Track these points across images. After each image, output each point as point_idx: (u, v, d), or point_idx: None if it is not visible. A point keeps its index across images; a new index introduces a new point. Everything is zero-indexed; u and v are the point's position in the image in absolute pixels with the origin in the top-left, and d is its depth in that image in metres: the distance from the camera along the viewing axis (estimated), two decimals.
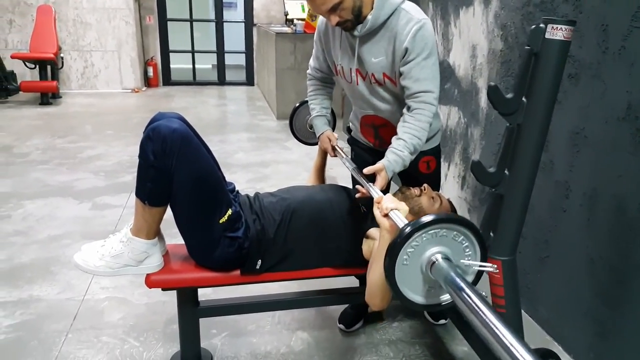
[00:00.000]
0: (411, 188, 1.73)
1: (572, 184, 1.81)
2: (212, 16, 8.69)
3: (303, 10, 7.29)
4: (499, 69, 2.26)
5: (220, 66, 8.11)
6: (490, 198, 1.23)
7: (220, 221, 1.46)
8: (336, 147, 1.89)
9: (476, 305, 0.86)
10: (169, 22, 7.61)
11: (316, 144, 2.38)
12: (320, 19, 1.75)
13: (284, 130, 5.23)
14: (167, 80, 7.80)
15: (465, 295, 0.89)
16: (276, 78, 5.60)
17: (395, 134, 1.77)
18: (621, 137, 1.58)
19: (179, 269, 1.57)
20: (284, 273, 1.61)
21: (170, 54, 7.74)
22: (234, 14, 9.03)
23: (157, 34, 7.54)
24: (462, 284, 0.91)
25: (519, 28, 2.09)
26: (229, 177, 3.21)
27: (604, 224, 1.66)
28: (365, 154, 1.91)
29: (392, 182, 2.01)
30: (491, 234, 1.23)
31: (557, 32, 1.05)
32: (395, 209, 1.27)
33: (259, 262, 1.55)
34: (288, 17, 7.05)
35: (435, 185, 1.88)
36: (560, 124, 1.86)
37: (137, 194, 1.42)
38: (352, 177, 2.06)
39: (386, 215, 1.28)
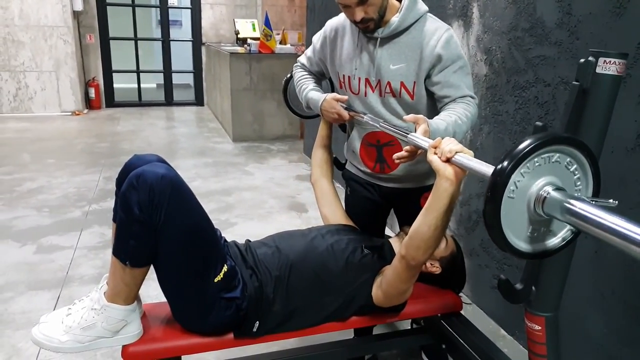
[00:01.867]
0: None
1: None
2: (156, 34, 8.38)
3: (254, 29, 7.13)
4: (484, 94, 2.20)
5: (168, 86, 7.74)
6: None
7: (216, 280, 1.25)
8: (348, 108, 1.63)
9: (619, 225, 0.71)
10: (110, 41, 7.18)
11: (315, 116, 2.15)
12: (330, 25, 1.63)
13: (243, 153, 5.01)
14: (111, 102, 7.34)
15: (601, 219, 0.73)
16: (231, 99, 5.38)
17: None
18: (631, 168, 1.53)
19: (162, 336, 1.33)
20: (288, 333, 1.41)
21: (113, 74, 7.30)
22: (179, 32, 8.72)
23: (99, 53, 7.09)
24: (592, 208, 0.75)
25: (506, 53, 2.04)
26: None
27: (615, 258, 1.60)
28: (363, 189, 1.76)
29: (387, 227, 1.88)
30: (533, 288, 1.10)
31: (610, 67, 0.95)
32: (461, 152, 1.06)
33: (257, 324, 1.34)
34: (239, 36, 6.86)
35: None
36: None
37: (116, 254, 1.19)
38: (346, 210, 1.88)
39: (447, 161, 1.08)
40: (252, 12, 7.60)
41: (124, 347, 1.28)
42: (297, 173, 4.35)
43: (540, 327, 1.12)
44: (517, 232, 0.86)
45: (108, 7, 7.05)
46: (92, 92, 7.01)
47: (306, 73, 1.79)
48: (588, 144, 1.01)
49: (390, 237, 1.66)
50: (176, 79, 7.94)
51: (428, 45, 1.42)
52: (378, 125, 1.46)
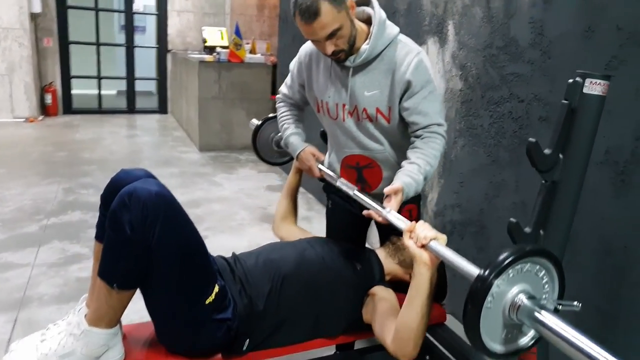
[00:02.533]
0: (402, 238, 1.61)
1: None
2: (118, 40, 8.18)
3: (222, 37, 7.06)
4: (458, 108, 2.25)
5: (130, 93, 7.54)
6: None
7: (207, 302, 1.21)
8: (321, 166, 1.67)
9: (577, 339, 0.80)
10: (70, 45, 6.91)
11: (282, 164, 2.18)
12: (305, 50, 1.61)
13: (210, 163, 4.93)
14: (68, 108, 7.04)
15: (562, 331, 0.82)
16: (199, 108, 5.29)
17: (380, 175, 1.65)
18: (601, 181, 1.60)
19: (145, 359, 1.27)
20: (276, 349, 1.38)
21: (72, 79, 7.02)
22: (143, 38, 8.53)
23: (58, 57, 6.81)
24: (557, 320, 0.84)
25: (480, 69, 2.10)
26: None
27: (588, 266, 1.66)
28: (345, 202, 1.76)
29: (369, 234, 1.89)
30: None
31: (596, 87, 1.00)
32: (435, 239, 1.10)
33: (247, 341, 1.31)
34: (207, 44, 6.77)
35: None
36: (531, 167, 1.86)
37: (103, 276, 1.13)
38: (327, 224, 1.89)
39: (423, 246, 1.11)
40: (220, 20, 7.53)
41: None
42: (267, 183, 4.31)
43: None
44: (492, 336, 0.92)
45: (69, 10, 6.80)
46: (48, 98, 6.71)
47: (287, 110, 1.77)
48: (576, 158, 1.05)
49: (372, 248, 1.66)
50: (138, 86, 7.74)
51: (399, 71, 1.42)
52: (352, 193, 1.47)
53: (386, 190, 1.37)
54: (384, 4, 2.90)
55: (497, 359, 0.95)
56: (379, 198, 1.70)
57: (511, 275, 0.88)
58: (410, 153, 1.47)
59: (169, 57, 7.51)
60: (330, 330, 1.45)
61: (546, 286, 0.95)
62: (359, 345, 1.87)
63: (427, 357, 1.68)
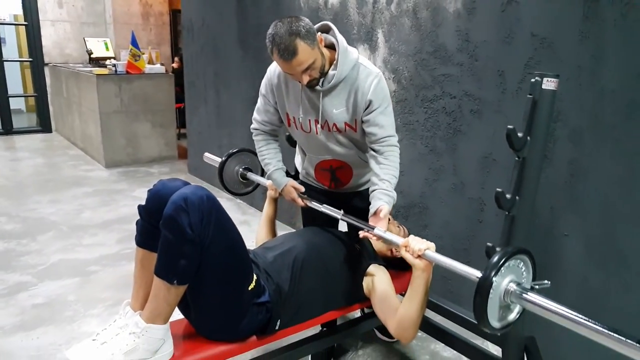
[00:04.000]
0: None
1: (485, 199, 2.20)
2: None
3: (107, 48, 6.73)
4: (394, 107, 2.57)
5: (5, 112, 6.77)
6: (506, 221, 1.45)
7: (250, 288, 1.36)
8: (303, 196, 1.87)
9: (552, 306, 1.13)
10: None
11: (246, 194, 2.33)
12: (273, 72, 1.76)
13: (122, 179, 4.72)
14: None
15: (545, 303, 1.14)
16: (101, 123, 5.02)
17: (351, 174, 1.89)
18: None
19: (192, 348, 1.36)
20: (297, 326, 1.55)
21: None
22: (3, 50, 7.70)
23: None
24: (539, 297, 1.16)
25: (413, 72, 2.44)
26: (90, 240, 3.02)
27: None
28: (320, 195, 1.97)
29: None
30: None
31: (550, 84, 1.33)
32: (428, 249, 1.36)
33: (278, 322, 1.47)
34: (92, 55, 6.41)
35: None
36: (467, 151, 2.24)
37: (162, 275, 1.22)
38: (304, 217, 2.07)
39: (419, 256, 1.36)
40: (101, 31, 7.14)
41: None
42: None
43: None
44: (493, 317, 1.20)
45: None
46: None
47: (265, 145, 1.89)
48: (539, 138, 1.38)
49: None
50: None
51: (361, 92, 1.62)
52: (339, 217, 1.69)
53: (373, 214, 1.60)
54: (309, 14, 3.16)
55: (496, 332, 1.24)
56: (351, 187, 1.95)
57: (502, 271, 1.19)
58: (376, 168, 1.69)
59: (46, 70, 6.91)
60: (338, 304, 1.65)
61: (524, 273, 1.26)
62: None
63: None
